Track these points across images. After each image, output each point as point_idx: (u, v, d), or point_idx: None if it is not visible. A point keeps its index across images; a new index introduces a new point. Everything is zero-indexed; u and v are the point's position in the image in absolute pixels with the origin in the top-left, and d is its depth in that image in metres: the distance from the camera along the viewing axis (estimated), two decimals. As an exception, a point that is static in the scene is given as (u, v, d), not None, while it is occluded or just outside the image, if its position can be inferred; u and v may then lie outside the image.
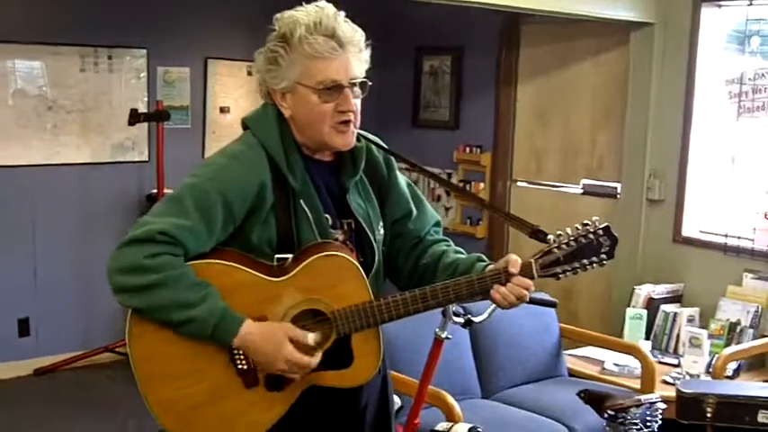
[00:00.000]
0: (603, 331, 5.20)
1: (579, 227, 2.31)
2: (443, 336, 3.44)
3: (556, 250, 2.30)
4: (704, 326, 5.05)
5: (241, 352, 2.24)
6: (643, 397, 3.03)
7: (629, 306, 5.24)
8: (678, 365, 4.83)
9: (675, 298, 5.32)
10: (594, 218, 2.34)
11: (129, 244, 2.17)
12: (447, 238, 2.59)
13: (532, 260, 2.31)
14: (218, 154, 2.35)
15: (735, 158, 5.23)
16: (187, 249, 2.19)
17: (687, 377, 4.61)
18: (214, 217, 2.20)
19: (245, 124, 2.39)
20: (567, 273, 2.31)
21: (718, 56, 5.27)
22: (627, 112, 5.57)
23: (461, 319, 3.44)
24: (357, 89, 2.30)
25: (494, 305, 3.30)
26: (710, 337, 4.90)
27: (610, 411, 3.02)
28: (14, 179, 5.87)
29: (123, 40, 6.16)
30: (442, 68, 6.73)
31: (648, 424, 2.98)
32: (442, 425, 3.38)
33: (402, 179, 2.55)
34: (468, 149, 6.55)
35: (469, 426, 3.28)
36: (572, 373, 4.83)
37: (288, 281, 2.25)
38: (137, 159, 6.34)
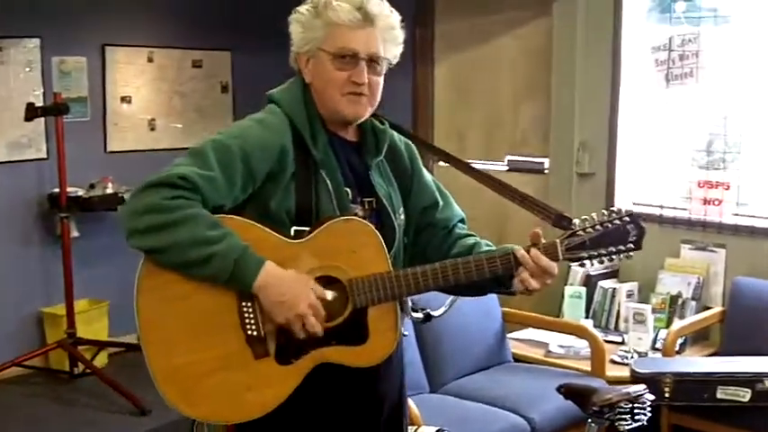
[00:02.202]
0: (538, 311, 5.03)
1: (605, 212, 2.26)
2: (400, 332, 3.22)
3: (581, 233, 2.22)
4: (644, 300, 4.95)
5: (252, 314, 2.15)
6: (631, 389, 2.87)
7: (566, 284, 5.10)
8: (623, 343, 4.72)
9: (612, 273, 5.20)
10: (619, 206, 2.31)
11: (146, 188, 2.11)
12: (474, 233, 2.50)
13: (557, 241, 2.23)
14: (244, 119, 2.32)
15: (665, 127, 5.11)
16: (205, 198, 2.12)
17: (636, 355, 4.49)
18: (234, 172, 2.16)
19: (270, 98, 2.36)
20: (594, 259, 2.24)
21: (643, 23, 5.14)
22: (552, 84, 5.42)
23: (420, 315, 3.24)
24: (379, 66, 2.28)
25: (451, 298, 3.15)
26: (653, 311, 4.79)
27: (595, 407, 2.85)
28: None
29: (13, 29, 5.70)
30: (353, 48, 6.46)
31: (637, 417, 2.82)
32: (405, 429, 3.14)
33: (426, 171, 2.50)
34: (386, 130, 6.30)
35: (435, 429, 3.07)
36: (517, 358, 4.66)
37: (304, 243, 2.18)
38: (35, 157, 5.89)
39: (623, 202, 5.22)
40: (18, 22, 5.72)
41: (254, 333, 2.15)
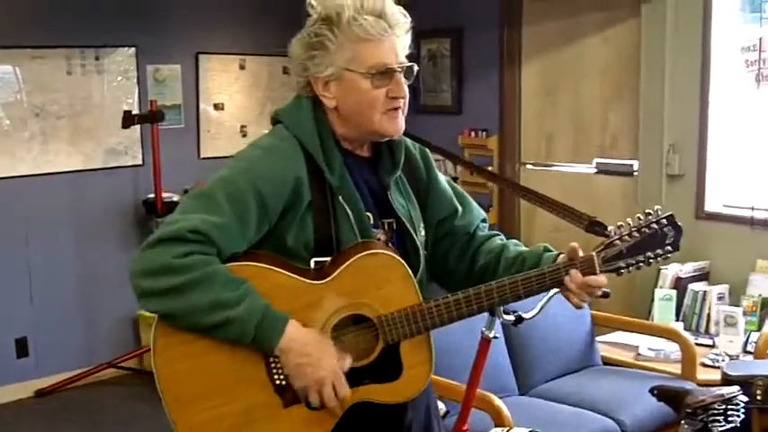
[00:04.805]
0: (627, 314, 5.01)
1: (641, 217, 2.17)
2: (491, 335, 3.23)
3: (618, 242, 2.15)
4: (735, 303, 4.87)
5: (280, 365, 2.05)
6: (725, 391, 2.85)
7: (656, 287, 5.06)
8: (713, 346, 4.67)
9: (702, 276, 5.14)
10: (657, 207, 2.19)
11: (155, 244, 1.99)
12: (498, 232, 2.41)
13: (594, 253, 2.15)
14: (250, 147, 2.20)
15: (756, 128, 5.04)
16: (220, 248, 2.01)
17: (726, 358, 4.45)
18: (248, 214, 2.04)
19: (277, 118, 2.23)
20: (631, 267, 2.17)
21: (732, 24, 5.09)
22: (641, 86, 5.38)
23: (512, 317, 3.21)
24: (407, 75, 2.15)
25: (543, 299, 3.12)
26: (744, 314, 4.73)
27: (689, 409, 2.84)
28: (3, 192, 5.60)
29: (110, 38, 5.89)
30: (440, 51, 6.50)
31: (730, 419, 2.80)
32: (497, 431, 3.17)
33: (442, 176, 2.39)
34: (473, 133, 6.34)
35: (527, 431, 3.08)
36: (606, 361, 4.65)
37: (329, 284, 2.08)
38: (131, 164, 6.07)
39: (713, 203, 5.18)
40: (114, 32, 5.89)
41: (283, 383, 2.07)
